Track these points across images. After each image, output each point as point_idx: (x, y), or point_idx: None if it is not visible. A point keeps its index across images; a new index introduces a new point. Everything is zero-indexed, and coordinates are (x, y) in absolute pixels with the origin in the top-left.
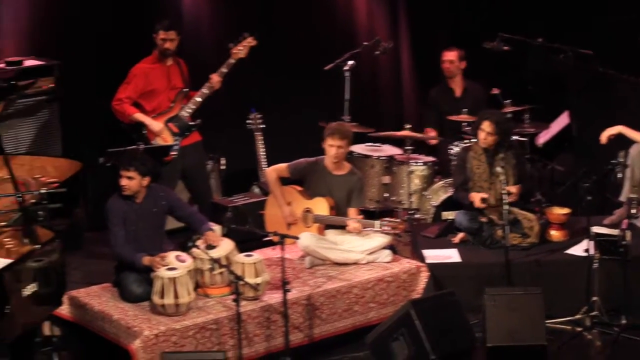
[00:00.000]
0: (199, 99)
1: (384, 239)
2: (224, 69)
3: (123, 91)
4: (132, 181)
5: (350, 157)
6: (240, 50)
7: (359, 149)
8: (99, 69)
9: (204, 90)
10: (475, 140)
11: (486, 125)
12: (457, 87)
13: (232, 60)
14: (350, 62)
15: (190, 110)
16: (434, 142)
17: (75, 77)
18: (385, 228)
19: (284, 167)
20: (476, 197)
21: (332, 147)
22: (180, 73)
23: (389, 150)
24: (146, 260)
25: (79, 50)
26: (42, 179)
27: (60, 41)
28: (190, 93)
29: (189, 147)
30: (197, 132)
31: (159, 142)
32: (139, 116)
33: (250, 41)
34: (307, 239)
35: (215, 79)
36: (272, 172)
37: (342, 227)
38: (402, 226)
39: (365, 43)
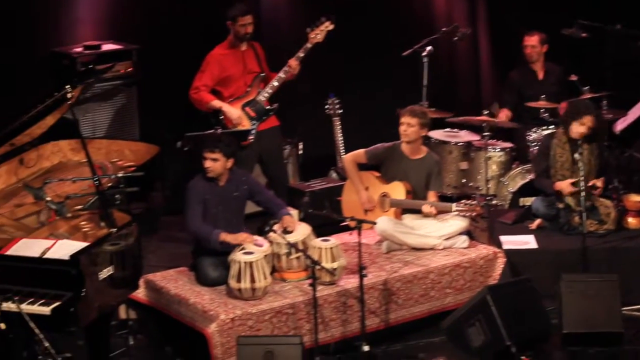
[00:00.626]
0: (276, 83)
1: (461, 224)
2: (300, 54)
3: (199, 79)
4: (216, 163)
5: (428, 142)
6: (317, 34)
7: (436, 134)
8: (177, 53)
9: (281, 75)
10: (555, 127)
11: (588, 120)
12: (540, 70)
13: (309, 45)
14: (429, 48)
15: (267, 95)
16: (505, 120)
17: (154, 61)
18: (462, 210)
19: (362, 153)
20: (564, 184)
21: (402, 125)
22: (255, 57)
23: (467, 136)
24: (223, 236)
25: (158, 35)
26: (120, 162)
27: (139, 25)
28: (270, 75)
29: (266, 132)
30: (274, 116)
31: (237, 127)
32: (216, 103)
33: (327, 25)
34: (385, 223)
35: (294, 64)
36: (349, 158)
37: (419, 211)
38: (479, 209)
39: (444, 29)
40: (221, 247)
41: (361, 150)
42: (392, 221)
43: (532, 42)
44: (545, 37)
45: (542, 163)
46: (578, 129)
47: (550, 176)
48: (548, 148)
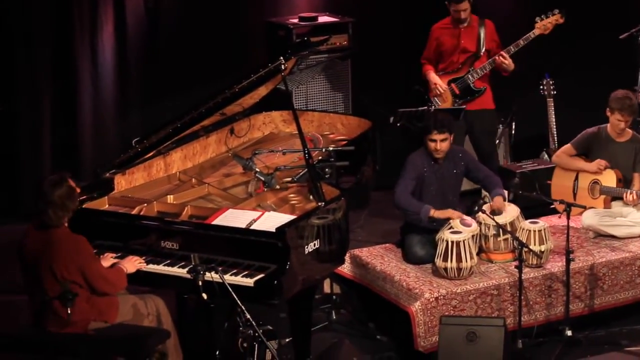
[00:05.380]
0: (488, 67)
1: None
2: (521, 41)
3: (424, 53)
4: (445, 143)
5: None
6: (545, 25)
7: None
8: (391, 26)
9: (487, 66)
10: None
11: None
12: None
13: (532, 35)
14: None
15: (476, 75)
16: None
17: (369, 35)
18: None
19: (569, 147)
20: None
21: (620, 122)
22: (476, 36)
23: None
24: (433, 211)
25: (373, 8)
26: (331, 136)
27: None
28: (499, 53)
29: (475, 113)
30: (490, 99)
31: (437, 100)
32: (428, 74)
33: (558, 19)
34: (590, 217)
35: (502, 60)
36: (560, 155)
37: None
38: None
39: None
40: (429, 223)
41: (567, 145)
42: (598, 214)
43: None
44: None
45: None
46: None
47: None
48: None
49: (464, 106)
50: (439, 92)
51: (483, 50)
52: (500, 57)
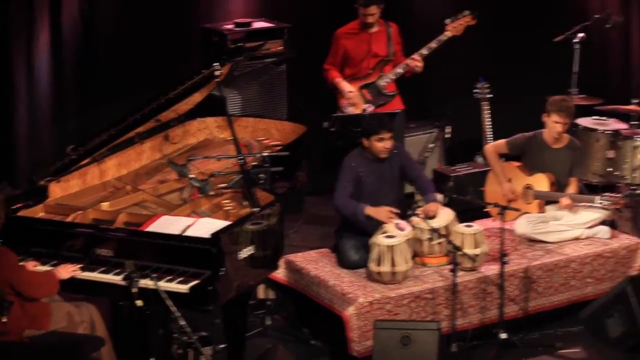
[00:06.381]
0: (399, 70)
1: (605, 211)
2: (432, 44)
3: (328, 58)
4: (391, 141)
5: (576, 130)
6: (456, 27)
7: (584, 122)
8: (327, 32)
9: (399, 70)
10: None
11: None
12: None
13: (443, 37)
14: (581, 35)
15: (388, 80)
16: None
17: (304, 40)
18: (605, 203)
19: (503, 144)
20: None
21: (558, 124)
22: (385, 40)
23: (615, 124)
24: (368, 209)
25: (309, 13)
26: (266, 141)
27: (290, 3)
28: (399, 60)
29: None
30: (399, 100)
31: (348, 108)
32: (338, 83)
33: (468, 20)
34: (523, 226)
35: (415, 62)
36: (491, 149)
37: None
38: (623, 202)
39: (596, 16)
40: (367, 221)
41: (502, 141)
42: (531, 222)
43: None
44: None
45: None
46: None
47: None
48: None
49: (398, 109)
50: (354, 102)
51: (392, 54)
52: (414, 61)
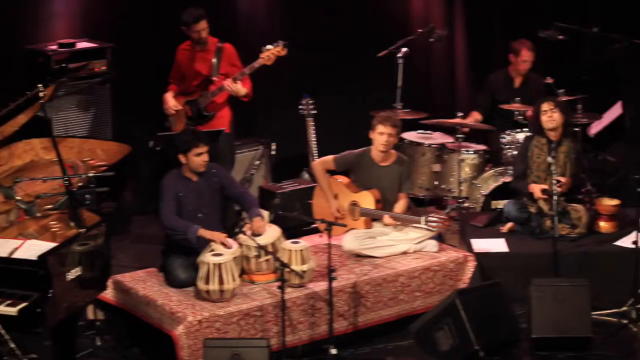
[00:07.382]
0: (217, 92)
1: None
2: (246, 70)
3: (171, 72)
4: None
5: (402, 144)
6: (268, 56)
7: (410, 136)
8: (151, 51)
9: (216, 91)
10: (529, 130)
11: (546, 106)
12: (518, 77)
13: (256, 64)
14: (404, 50)
15: (208, 100)
16: (473, 122)
17: (128, 60)
18: (432, 225)
19: (330, 160)
20: (536, 188)
21: (382, 135)
22: (211, 60)
23: (440, 138)
24: (201, 231)
25: (132, 33)
26: (91, 162)
27: (113, 23)
28: (219, 81)
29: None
30: (224, 122)
31: (170, 120)
32: (165, 95)
33: (279, 50)
34: (350, 242)
35: (227, 84)
36: (318, 165)
37: None
38: (448, 223)
39: (420, 30)
40: (197, 243)
41: (330, 157)
42: (358, 238)
43: (530, 57)
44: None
45: (520, 165)
46: (543, 119)
47: (527, 177)
48: (526, 149)
49: (223, 128)
50: (172, 112)
51: (217, 74)
52: (228, 85)
